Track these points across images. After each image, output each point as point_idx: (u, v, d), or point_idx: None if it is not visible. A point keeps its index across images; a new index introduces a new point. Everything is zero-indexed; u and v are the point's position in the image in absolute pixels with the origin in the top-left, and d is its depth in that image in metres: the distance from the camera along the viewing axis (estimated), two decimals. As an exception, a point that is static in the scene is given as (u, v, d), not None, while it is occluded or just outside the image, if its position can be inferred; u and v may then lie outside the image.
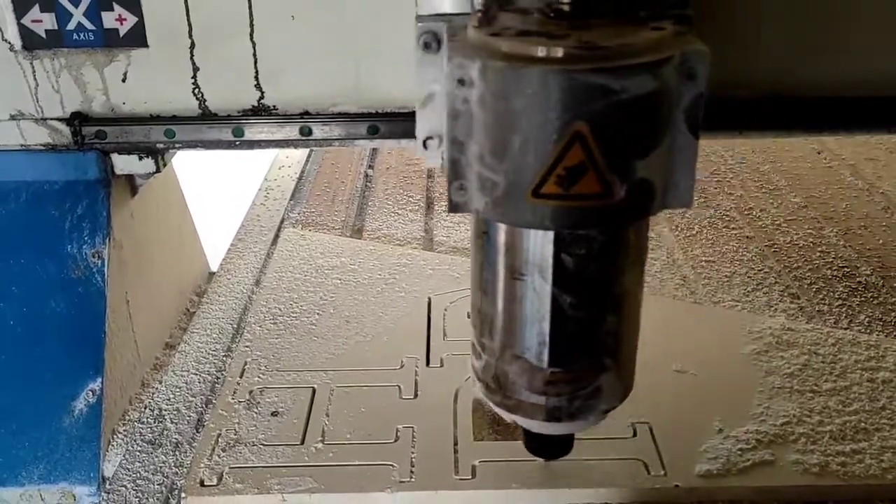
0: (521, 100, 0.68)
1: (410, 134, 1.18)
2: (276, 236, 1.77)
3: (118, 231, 1.31)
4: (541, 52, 0.68)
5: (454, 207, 0.76)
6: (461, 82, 0.71)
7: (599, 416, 0.89)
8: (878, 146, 2.16)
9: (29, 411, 1.21)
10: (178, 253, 1.61)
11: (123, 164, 1.29)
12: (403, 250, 1.67)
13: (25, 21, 1.19)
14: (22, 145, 1.27)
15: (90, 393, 1.21)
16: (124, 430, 1.22)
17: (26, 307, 1.25)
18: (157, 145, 1.27)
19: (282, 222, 1.84)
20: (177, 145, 1.27)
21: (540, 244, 0.77)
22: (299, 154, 2.24)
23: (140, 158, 1.29)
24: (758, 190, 1.93)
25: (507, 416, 0.90)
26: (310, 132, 1.25)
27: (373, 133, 1.25)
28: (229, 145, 1.27)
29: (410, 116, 1.17)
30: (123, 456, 1.15)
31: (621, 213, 0.73)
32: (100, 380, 1.22)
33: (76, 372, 1.23)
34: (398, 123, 1.24)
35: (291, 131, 1.25)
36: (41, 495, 1.16)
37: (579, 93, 0.67)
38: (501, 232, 0.79)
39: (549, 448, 0.97)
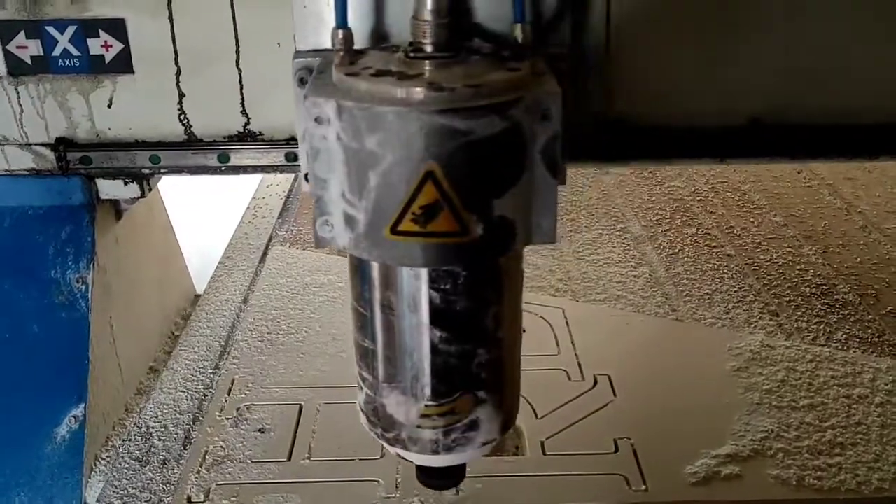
0: (374, 139, 0.69)
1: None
2: (265, 254, 1.78)
3: (102, 256, 1.30)
4: (391, 92, 0.69)
5: (320, 242, 0.76)
6: (318, 120, 0.71)
7: (479, 449, 0.88)
8: (855, 166, 2.21)
9: (10, 438, 1.20)
10: (162, 276, 1.61)
11: (108, 189, 1.30)
12: (390, 268, 1.69)
13: (10, 47, 1.20)
14: (6, 170, 1.27)
15: (73, 419, 1.21)
16: (107, 457, 1.22)
17: (9, 332, 1.25)
18: (143, 170, 1.28)
19: (270, 240, 1.86)
20: (162, 171, 1.28)
21: (408, 280, 0.78)
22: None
23: (125, 183, 1.29)
24: (739, 209, 1.97)
25: (390, 450, 0.89)
26: (296, 158, 1.25)
27: None
28: (215, 171, 1.27)
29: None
30: (111, 473, 1.16)
31: (481, 250, 0.74)
32: (83, 406, 1.21)
33: (59, 398, 1.22)
34: None
35: (277, 157, 1.26)
36: None
37: (429, 133, 0.68)
38: (373, 268, 0.80)
39: (437, 478, 0.94)
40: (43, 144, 1.26)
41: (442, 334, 0.80)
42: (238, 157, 1.26)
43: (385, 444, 0.89)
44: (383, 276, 0.79)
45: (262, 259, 1.76)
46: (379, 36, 0.82)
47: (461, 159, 0.69)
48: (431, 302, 0.78)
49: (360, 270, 0.82)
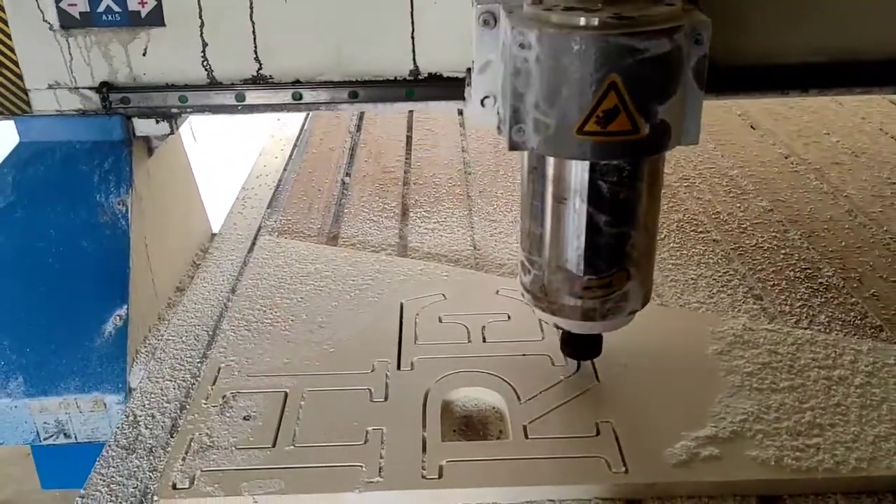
0: (569, 58, 0.91)
1: (385, 99, 1.51)
2: (253, 244, 1.79)
3: (138, 184, 1.55)
4: (583, 21, 0.91)
5: (514, 146, 0.98)
6: (521, 46, 0.93)
7: (626, 318, 1.10)
8: (843, 151, 2.21)
9: (67, 333, 1.43)
10: (185, 211, 1.83)
11: (143, 126, 1.54)
12: (378, 257, 1.70)
13: (63, 4, 1.42)
14: (57, 111, 1.51)
15: (118, 317, 1.44)
16: (145, 352, 1.45)
17: (63, 247, 1.49)
18: (172, 110, 1.52)
19: (258, 230, 1.86)
20: (188, 110, 1.52)
21: (580, 173, 0.99)
22: (277, 163, 2.27)
23: (157, 122, 1.54)
24: (725, 194, 1.98)
25: (551, 320, 1.11)
26: (300, 97, 1.50)
27: (353, 98, 1.50)
28: (232, 109, 1.51)
29: (385, 84, 1.50)
30: (99, 462, 1.17)
31: (646, 147, 0.95)
32: (125, 307, 1.45)
33: (106, 300, 1.46)
34: (374, 90, 1.50)
35: (285, 97, 1.50)
36: (77, 403, 1.39)
37: (614, 51, 0.89)
38: (549, 166, 1.01)
39: (582, 348, 1.18)
40: (89, 88, 1.49)
41: (606, 218, 1.01)
42: (252, 98, 1.50)
43: (546, 316, 1.11)
44: (558, 172, 1.00)
45: (251, 249, 1.76)
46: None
47: (636, 73, 0.90)
48: (599, 191, 0.99)
49: (536, 170, 1.02)
